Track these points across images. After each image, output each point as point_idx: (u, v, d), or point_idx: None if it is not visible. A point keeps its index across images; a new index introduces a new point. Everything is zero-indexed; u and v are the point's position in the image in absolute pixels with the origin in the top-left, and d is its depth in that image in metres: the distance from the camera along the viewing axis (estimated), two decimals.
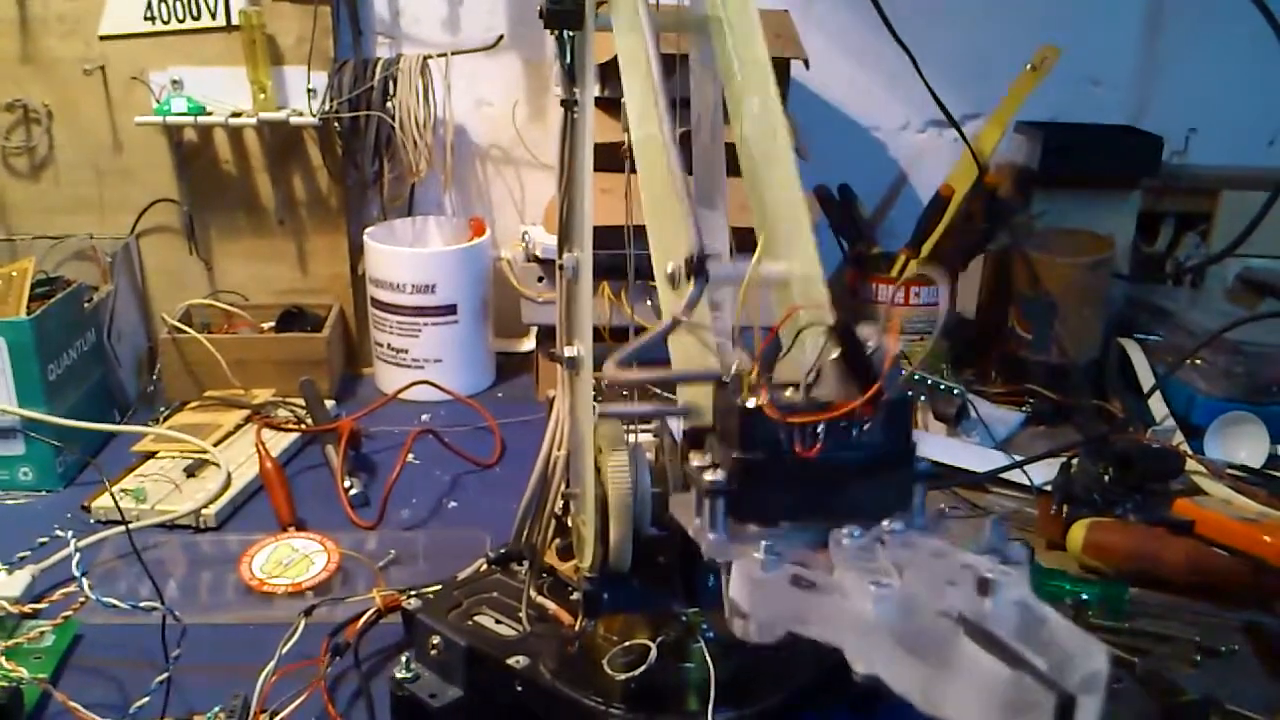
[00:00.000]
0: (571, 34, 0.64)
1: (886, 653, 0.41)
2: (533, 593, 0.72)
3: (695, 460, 0.52)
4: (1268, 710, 0.69)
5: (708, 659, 0.60)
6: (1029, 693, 0.37)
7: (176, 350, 1.20)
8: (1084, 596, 0.80)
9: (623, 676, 0.61)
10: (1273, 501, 0.96)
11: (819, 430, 0.49)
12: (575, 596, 0.68)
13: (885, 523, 0.48)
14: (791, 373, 0.54)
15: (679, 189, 0.57)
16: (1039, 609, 0.41)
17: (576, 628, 0.67)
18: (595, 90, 0.63)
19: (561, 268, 0.67)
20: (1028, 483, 1.00)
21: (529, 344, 1.34)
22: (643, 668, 0.61)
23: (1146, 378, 1.17)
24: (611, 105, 1.07)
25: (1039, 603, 0.41)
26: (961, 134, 1.26)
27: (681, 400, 0.59)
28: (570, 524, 0.67)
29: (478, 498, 1.03)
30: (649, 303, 1.11)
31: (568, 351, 0.63)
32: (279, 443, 1.09)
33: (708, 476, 0.49)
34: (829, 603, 0.44)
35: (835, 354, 0.51)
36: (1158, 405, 1.14)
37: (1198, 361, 1.14)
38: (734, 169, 0.68)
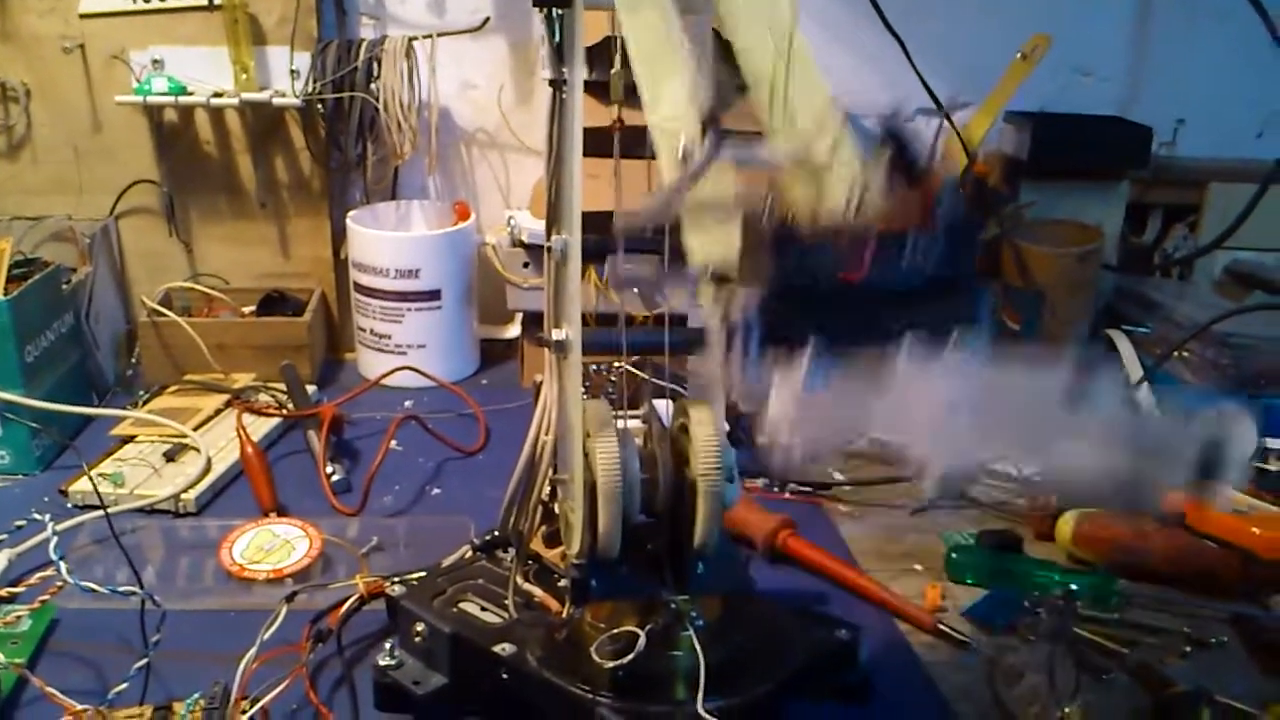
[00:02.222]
0: (560, 12, 0.62)
1: (970, 433, 0.38)
2: (519, 579, 0.71)
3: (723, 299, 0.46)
4: (1257, 702, 0.69)
5: (697, 647, 0.60)
6: (1166, 435, 0.35)
7: (156, 333, 1.19)
8: (1073, 587, 0.80)
9: (610, 664, 0.60)
10: (1261, 494, 0.96)
11: (867, 254, 0.43)
12: (562, 583, 0.67)
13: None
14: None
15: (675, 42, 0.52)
16: (1142, 400, 0.39)
17: (564, 615, 0.66)
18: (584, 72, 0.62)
19: (550, 250, 0.66)
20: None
21: (514, 330, 1.33)
22: (631, 655, 0.60)
23: (1134, 369, 1.17)
24: (599, 89, 1.05)
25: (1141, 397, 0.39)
26: (951, 123, 1.25)
27: (697, 257, 0.52)
28: (557, 510, 0.66)
29: (461, 485, 1.02)
30: (636, 291, 1.10)
31: (555, 335, 0.62)
32: (260, 428, 1.08)
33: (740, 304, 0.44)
34: (893, 401, 0.40)
35: (885, 156, 0.44)
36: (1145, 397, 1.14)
37: (1185, 353, 1.13)
38: None
